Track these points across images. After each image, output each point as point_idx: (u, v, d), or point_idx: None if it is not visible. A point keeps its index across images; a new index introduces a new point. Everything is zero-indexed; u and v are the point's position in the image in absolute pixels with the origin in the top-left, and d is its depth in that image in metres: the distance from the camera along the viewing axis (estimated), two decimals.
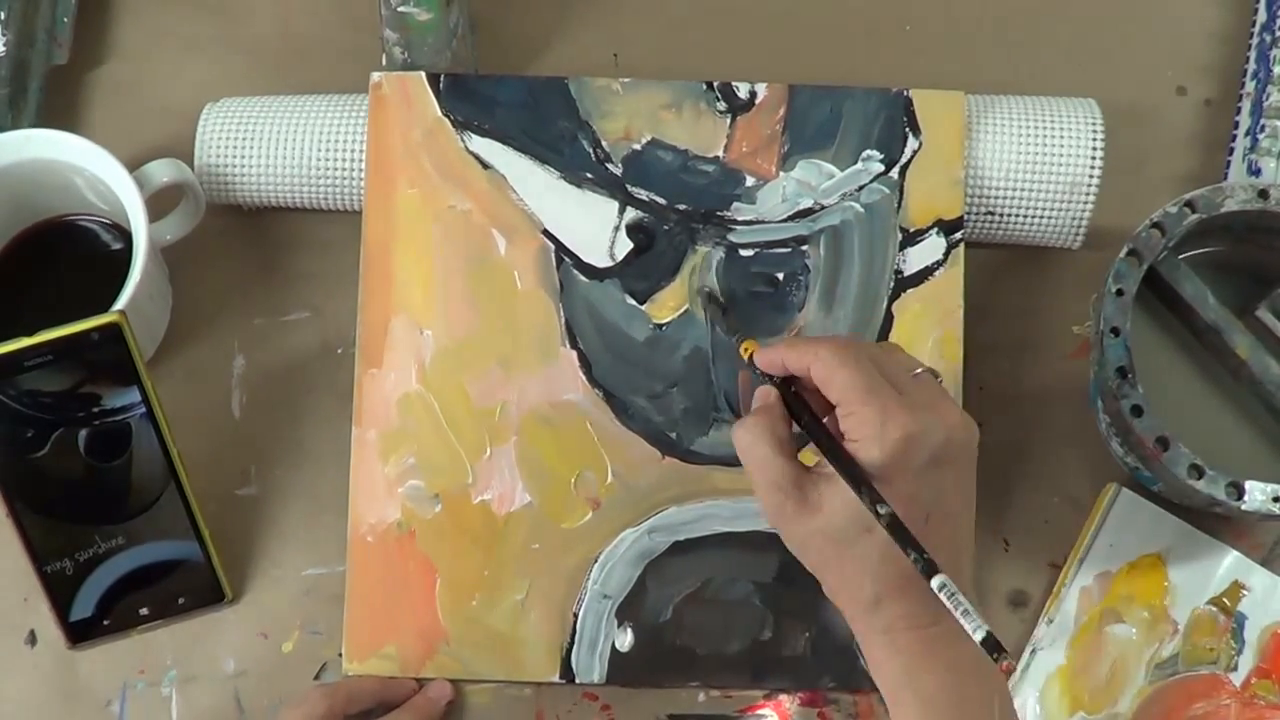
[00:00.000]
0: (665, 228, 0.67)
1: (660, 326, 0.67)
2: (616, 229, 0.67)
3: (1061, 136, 0.68)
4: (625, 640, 0.65)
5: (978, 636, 0.46)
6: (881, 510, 0.49)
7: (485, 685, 0.65)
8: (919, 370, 0.54)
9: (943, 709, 0.51)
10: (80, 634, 0.64)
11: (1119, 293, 0.62)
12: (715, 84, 0.68)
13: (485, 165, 0.67)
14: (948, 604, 0.47)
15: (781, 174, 0.68)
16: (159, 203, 0.67)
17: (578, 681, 0.65)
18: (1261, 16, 0.75)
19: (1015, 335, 0.71)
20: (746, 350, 0.58)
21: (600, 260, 0.67)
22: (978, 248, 0.70)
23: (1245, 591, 0.66)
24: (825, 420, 0.53)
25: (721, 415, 0.66)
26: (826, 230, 0.67)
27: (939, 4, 0.77)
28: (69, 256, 0.69)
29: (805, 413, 0.54)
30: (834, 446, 0.52)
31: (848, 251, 0.67)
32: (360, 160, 0.68)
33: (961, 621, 0.47)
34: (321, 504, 0.68)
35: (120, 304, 0.62)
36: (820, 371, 0.52)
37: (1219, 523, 0.67)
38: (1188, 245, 0.66)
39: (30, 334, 0.59)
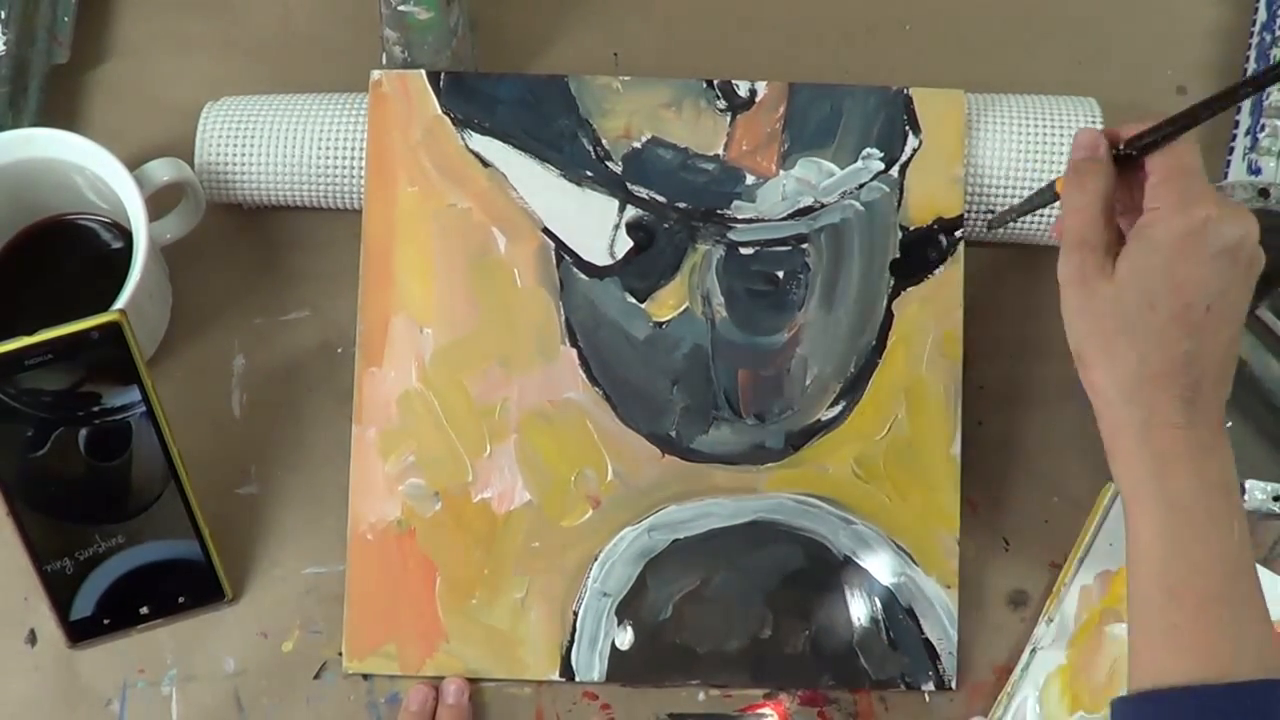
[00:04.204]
0: (665, 226, 0.67)
1: (660, 324, 0.67)
2: (616, 227, 0.67)
3: (1061, 135, 0.68)
4: (625, 638, 0.65)
5: None
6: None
7: (485, 684, 0.65)
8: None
9: (1184, 515, 0.51)
10: (80, 633, 0.64)
11: None
12: (715, 82, 0.68)
13: (485, 163, 0.67)
14: None
15: (781, 172, 0.68)
16: (159, 202, 0.67)
17: (578, 680, 0.65)
18: (1261, 16, 0.75)
19: (1015, 335, 0.71)
20: (1057, 183, 0.58)
21: (600, 258, 0.67)
22: (978, 246, 0.70)
23: None
24: (1133, 195, 0.54)
25: (721, 414, 0.66)
26: (826, 228, 0.67)
27: (939, 4, 0.77)
28: (69, 256, 0.69)
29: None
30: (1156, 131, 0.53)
31: (848, 249, 0.67)
32: (360, 159, 0.68)
33: None
34: (321, 503, 0.68)
35: (120, 303, 0.62)
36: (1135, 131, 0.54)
37: None
38: None
39: (30, 333, 0.59)
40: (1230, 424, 0.65)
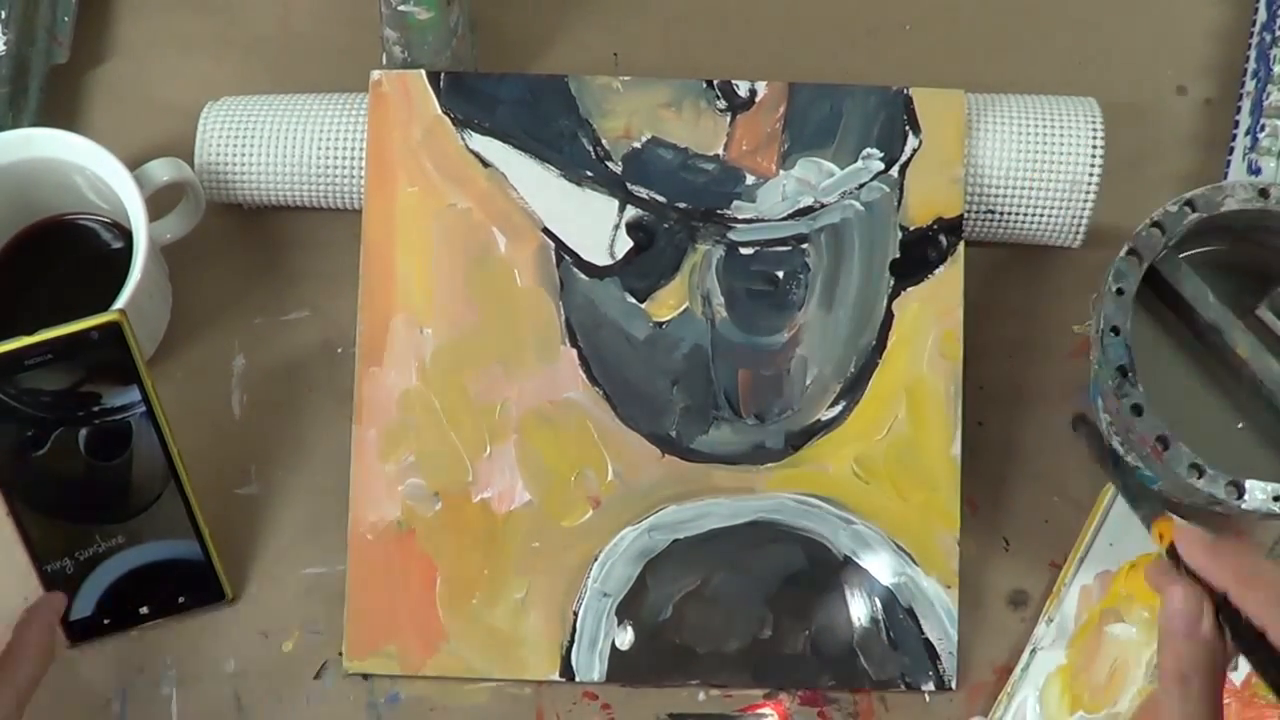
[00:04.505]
0: (665, 226, 0.67)
1: (660, 324, 0.67)
2: (616, 227, 0.67)
3: (1061, 135, 0.68)
4: (625, 638, 0.65)
5: None
6: None
7: (485, 684, 0.65)
8: None
9: None
10: (80, 633, 0.64)
11: (1119, 292, 0.62)
12: (715, 82, 0.68)
13: (485, 163, 0.67)
14: None
15: (781, 172, 0.68)
16: (159, 202, 0.67)
17: (578, 680, 0.65)
18: (1261, 16, 0.75)
19: (1015, 335, 0.71)
20: (1163, 537, 0.51)
21: (600, 258, 0.67)
22: (978, 246, 0.70)
23: None
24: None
25: (721, 414, 0.66)
26: (826, 228, 0.67)
27: (939, 4, 0.77)
28: (69, 256, 0.69)
29: (1247, 633, 0.46)
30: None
31: (848, 249, 0.67)
32: (360, 159, 0.68)
33: None
34: (321, 503, 0.68)
35: (120, 303, 0.62)
36: (1254, 610, 0.46)
37: (1219, 522, 0.67)
38: (1188, 244, 0.65)
39: (30, 333, 0.59)
40: (1241, 425, 0.65)
